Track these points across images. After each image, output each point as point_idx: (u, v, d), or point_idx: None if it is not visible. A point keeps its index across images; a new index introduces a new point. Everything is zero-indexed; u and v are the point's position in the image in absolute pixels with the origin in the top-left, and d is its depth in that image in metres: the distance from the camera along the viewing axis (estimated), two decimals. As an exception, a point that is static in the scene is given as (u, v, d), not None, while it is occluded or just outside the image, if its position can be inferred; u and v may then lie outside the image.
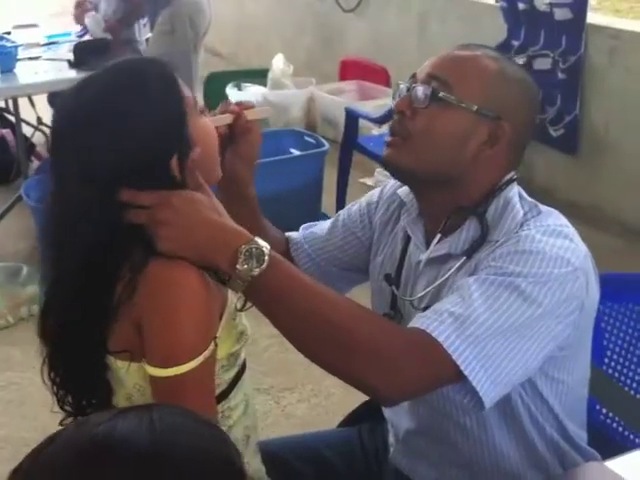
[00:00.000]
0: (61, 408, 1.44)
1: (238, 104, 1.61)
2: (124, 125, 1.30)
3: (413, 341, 1.39)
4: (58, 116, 1.36)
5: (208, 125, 1.42)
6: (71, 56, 4.51)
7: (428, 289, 1.59)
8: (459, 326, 1.38)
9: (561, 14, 4.59)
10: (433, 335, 1.37)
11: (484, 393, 1.38)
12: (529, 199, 1.60)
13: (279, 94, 6.04)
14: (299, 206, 4.46)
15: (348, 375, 1.39)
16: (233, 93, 6.11)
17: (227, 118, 1.57)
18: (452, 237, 1.59)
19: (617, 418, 1.95)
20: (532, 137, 1.64)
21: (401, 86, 1.60)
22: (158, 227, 1.32)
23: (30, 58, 4.68)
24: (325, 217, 4.67)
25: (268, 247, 1.34)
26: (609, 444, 1.86)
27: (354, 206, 1.87)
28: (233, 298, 1.42)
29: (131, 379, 1.37)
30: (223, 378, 1.43)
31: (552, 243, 1.47)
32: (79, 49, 4.49)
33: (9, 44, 4.55)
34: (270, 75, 6.11)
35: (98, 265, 1.32)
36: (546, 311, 1.42)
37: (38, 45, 5.05)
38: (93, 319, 1.33)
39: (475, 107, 1.53)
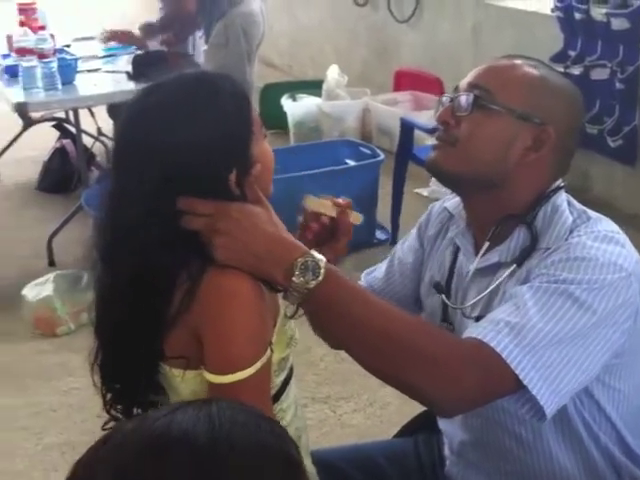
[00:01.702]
0: (107, 412, 1.46)
1: (343, 198, 1.59)
2: (190, 134, 1.32)
3: (471, 351, 1.39)
4: (125, 119, 1.38)
5: (268, 148, 1.45)
6: (129, 68, 4.58)
7: (479, 297, 1.59)
8: (516, 335, 1.38)
9: (618, 24, 4.55)
10: (491, 345, 1.38)
11: (545, 403, 1.38)
12: (578, 206, 1.60)
13: (334, 105, 6.07)
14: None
15: (406, 386, 1.40)
16: (288, 104, 6.17)
17: (330, 210, 1.54)
18: (502, 246, 1.59)
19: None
20: (577, 144, 1.64)
21: (443, 98, 1.63)
22: (216, 236, 1.34)
23: (89, 70, 4.76)
24: (380, 227, 4.69)
25: (324, 260, 1.35)
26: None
27: (407, 237, 1.88)
28: (282, 304, 1.44)
29: (187, 386, 1.38)
30: (275, 382, 1.45)
31: (604, 249, 1.47)
32: (137, 61, 4.56)
33: (69, 57, 4.62)
34: (325, 86, 6.15)
35: (155, 272, 1.34)
36: (601, 318, 1.42)
37: (96, 57, 5.14)
38: (149, 327, 1.35)
39: (517, 112, 1.54)
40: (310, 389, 3.33)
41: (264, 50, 8.28)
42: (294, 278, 1.33)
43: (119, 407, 1.46)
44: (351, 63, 6.97)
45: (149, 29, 5.09)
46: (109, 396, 1.46)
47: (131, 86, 4.54)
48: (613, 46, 4.62)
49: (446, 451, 1.81)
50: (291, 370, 1.52)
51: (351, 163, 4.74)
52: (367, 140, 5.84)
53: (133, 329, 1.37)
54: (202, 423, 0.94)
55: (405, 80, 6.27)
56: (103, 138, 5.55)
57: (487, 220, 1.61)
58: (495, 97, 1.55)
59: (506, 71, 1.60)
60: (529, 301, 1.42)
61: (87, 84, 4.49)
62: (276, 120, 6.37)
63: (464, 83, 1.61)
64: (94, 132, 5.57)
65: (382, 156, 4.60)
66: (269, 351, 1.35)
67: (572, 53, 4.86)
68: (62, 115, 5.54)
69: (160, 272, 1.34)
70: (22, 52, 4.28)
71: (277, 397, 1.47)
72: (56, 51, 4.39)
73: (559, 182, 1.62)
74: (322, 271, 1.34)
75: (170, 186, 1.32)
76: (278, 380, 1.46)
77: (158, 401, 1.44)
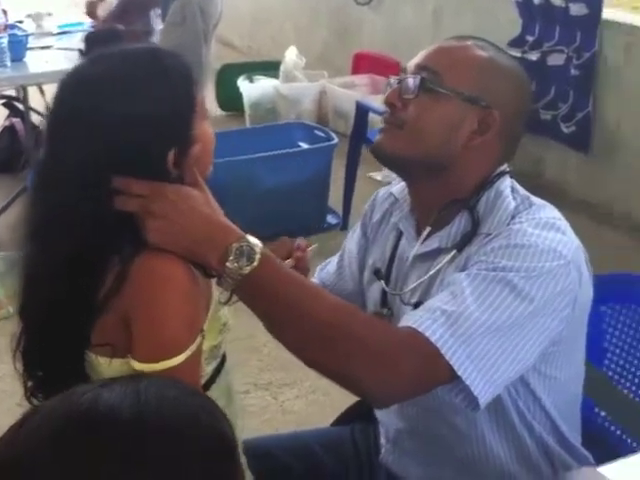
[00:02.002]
0: (28, 400, 1.41)
1: (299, 247, 1.61)
2: (131, 110, 1.28)
3: (405, 340, 1.36)
4: (64, 85, 1.32)
5: (209, 130, 1.40)
6: (82, 46, 4.50)
7: (417, 282, 1.58)
8: (452, 324, 1.36)
9: (576, 9, 4.55)
10: (426, 334, 1.35)
11: (479, 393, 1.36)
12: (522, 191, 1.58)
13: (291, 87, 6.02)
14: (306, 200, 4.46)
15: (340, 375, 1.37)
16: (245, 85, 6.11)
17: (289, 263, 1.56)
18: (443, 231, 1.57)
19: (615, 421, 1.92)
20: (524, 128, 1.62)
21: (391, 80, 1.60)
22: (150, 219, 1.30)
23: (42, 47, 4.67)
24: (332, 211, 4.66)
25: (260, 245, 1.32)
26: (605, 447, 1.84)
27: (354, 230, 1.86)
28: (216, 291, 1.41)
29: (113, 375, 1.34)
30: (206, 370, 1.41)
31: (544, 236, 1.45)
32: (90, 39, 4.47)
33: (20, 32, 4.53)
34: (282, 68, 6.09)
35: (87, 253, 1.30)
36: (539, 306, 1.40)
37: (51, 34, 5.05)
38: (79, 310, 1.31)
39: (464, 95, 1.52)
40: (253, 375, 3.30)
41: (224, 30, 8.20)
42: (228, 263, 1.30)
43: (41, 396, 1.41)
44: (311, 44, 6.92)
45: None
46: (30, 384, 1.41)
47: (82, 63, 4.45)
48: (571, 32, 4.62)
49: (382, 439, 1.78)
50: (224, 358, 1.48)
51: (305, 146, 4.70)
52: (323, 123, 5.81)
53: (61, 313, 1.32)
54: (129, 398, 0.93)
55: (364, 63, 6.23)
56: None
57: (431, 205, 1.59)
58: (442, 79, 1.53)
59: (454, 53, 1.57)
60: (466, 289, 1.40)
61: (38, 61, 4.41)
62: (232, 101, 6.33)
63: (412, 64, 1.58)
64: (44, 111, 5.46)
65: (336, 140, 4.56)
66: (200, 338, 1.32)
67: (530, 38, 4.86)
68: (13, 93, 5.44)
69: (91, 253, 1.30)
70: (-29, 27, 4.18)
71: (207, 386, 1.43)
72: (7, 27, 4.30)
73: (504, 167, 1.60)
74: (257, 257, 1.31)
75: (105, 161, 1.27)
76: (209, 368, 1.42)
77: None
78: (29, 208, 1.36)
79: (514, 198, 1.55)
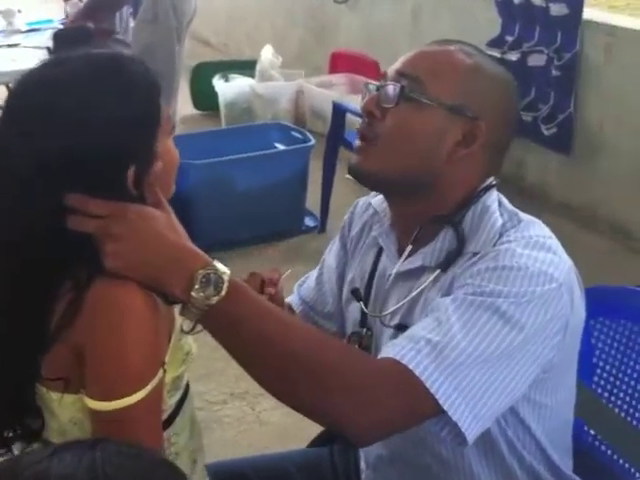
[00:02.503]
0: None
1: (271, 282, 1.54)
2: (89, 117, 1.16)
3: (387, 373, 1.26)
4: (20, 85, 1.21)
5: (173, 147, 1.30)
6: (51, 44, 4.38)
7: (399, 304, 1.47)
8: (437, 355, 1.26)
9: (557, 9, 4.46)
10: (410, 367, 1.25)
11: (466, 428, 1.26)
12: (509, 207, 1.48)
13: (267, 86, 5.92)
14: (283, 201, 4.37)
15: (315, 413, 1.27)
16: (220, 84, 6.00)
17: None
18: (426, 248, 1.47)
19: (605, 440, 1.83)
20: (512, 138, 1.52)
21: (370, 86, 1.49)
22: (108, 241, 1.19)
23: (9, 45, 4.56)
24: (309, 214, 4.57)
25: (228, 272, 1.22)
26: (597, 469, 1.76)
27: (334, 243, 1.75)
28: (179, 318, 1.29)
29: (66, 412, 1.23)
30: (168, 403, 1.31)
31: (534, 257, 1.35)
32: (59, 37, 4.36)
33: (-14, 31, 4.41)
34: (258, 66, 5.99)
35: (34, 278, 1.18)
36: (530, 334, 1.30)
37: (19, 32, 4.92)
38: (26, 340, 1.19)
39: (448, 105, 1.41)
40: (229, 384, 3.19)
41: (199, 28, 8.10)
42: (193, 292, 1.19)
43: None
44: (288, 43, 6.82)
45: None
46: None
47: (51, 62, 4.33)
48: (551, 32, 4.54)
49: (362, 464, 1.68)
50: (187, 387, 1.37)
51: (281, 147, 4.60)
52: (300, 123, 5.71)
53: (6, 342, 1.20)
54: (82, 472, 0.81)
55: (341, 62, 6.13)
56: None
57: (412, 220, 1.49)
58: (425, 87, 1.42)
59: (437, 59, 1.46)
60: (452, 316, 1.30)
61: (5, 60, 4.29)
62: (207, 101, 6.23)
63: (392, 70, 1.47)
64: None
65: (313, 141, 4.46)
66: (161, 372, 1.20)
67: (509, 38, 4.77)
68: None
69: (40, 277, 1.18)
70: None
71: (170, 420, 1.32)
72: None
73: (490, 180, 1.49)
74: (225, 285, 1.20)
75: (57, 172, 1.15)
76: (172, 401, 1.32)
77: (34, 425, 1.26)
78: None
79: (501, 214, 1.44)
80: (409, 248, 1.48)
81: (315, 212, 4.57)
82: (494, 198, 1.47)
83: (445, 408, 1.24)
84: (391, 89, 1.43)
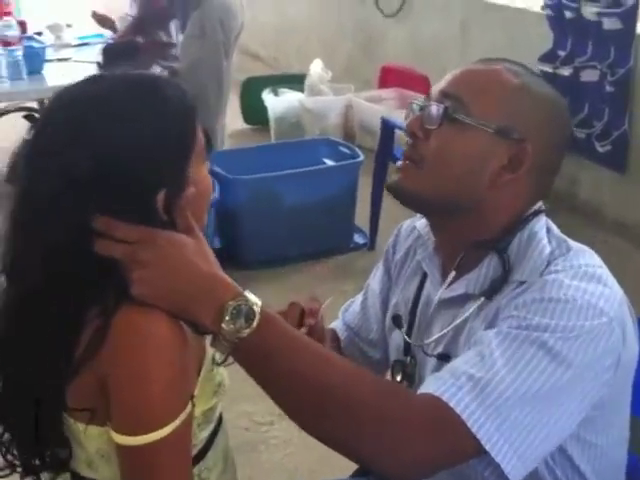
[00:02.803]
0: (3, 457, 1.26)
1: (311, 312, 1.48)
2: (121, 136, 1.13)
3: (426, 410, 1.21)
4: (54, 103, 1.18)
5: (207, 175, 1.26)
6: (100, 58, 4.40)
7: (441, 333, 1.43)
8: (479, 393, 1.20)
9: (610, 24, 4.37)
10: (450, 404, 1.20)
11: (510, 470, 1.20)
12: (558, 233, 1.42)
13: (316, 100, 5.89)
14: (332, 218, 4.34)
15: (351, 451, 1.22)
16: (269, 99, 5.99)
17: (302, 332, 1.44)
18: (470, 275, 1.41)
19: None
20: (561, 161, 1.46)
21: (414, 105, 1.44)
22: (135, 268, 1.15)
23: (59, 59, 4.59)
24: (358, 231, 4.52)
25: (259, 303, 1.18)
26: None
27: (378, 267, 1.70)
28: (210, 348, 1.25)
29: (92, 443, 1.19)
30: (199, 437, 1.26)
31: (583, 289, 1.29)
32: (108, 52, 4.39)
33: (37, 45, 4.43)
34: (307, 81, 5.96)
35: (60, 302, 1.14)
36: (578, 371, 1.24)
37: (70, 46, 4.96)
38: (51, 369, 1.16)
39: (493, 127, 1.36)
40: (272, 406, 3.13)
41: (249, 42, 8.13)
42: (224, 324, 1.15)
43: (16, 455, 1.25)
44: (337, 56, 6.79)
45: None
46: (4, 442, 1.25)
47: (101, 77, 4.35)
48: (604, 47, 4.44)
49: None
50: (220, 420, 1.33)
51: (329, 163, 4.57)
52: (350, 138, 5.67)
53: (32, 370, 1.17)
54: None
55: (391, 76, 6.08)
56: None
57: (456, 246, 1.44)
58: (469, 109, 1.37)
59: (482, 78, 1.40)
60: (496, 351, 1.24)
61: (56, 74, 4.31)
62: (257, 115, 6.22)
63: (436, 90, 1.42)
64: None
65: (361, 157, 4.42)
66: (190, 406, 1.16)
67: (562, 53, 4.69)
68: (34, 105, 5.33)
69: (66, 302, 1.14)
70: (-14, 40, 4.10)
71: (202, 455, 1.28)
72: (23, 39, 4.20)
73: (539, 205, 1.43)
74: (257, 317, 1.16)
75: (87, 193, 1.12)
76: (203, 435, 1.28)
77: (61, 455, 1.23)
78: (4, 240, 1.20)
79: (549, 241, 1.39)
80: (452, 274, 1.44)
81: (364, 229, 4.52)
82: (542, 224, 1.41)
83: (487, 448, 1.19)
84: (434, 110, 1.38)
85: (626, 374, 1.37)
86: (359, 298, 1.73)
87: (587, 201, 4.75)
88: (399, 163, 1.44)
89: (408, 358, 1.52)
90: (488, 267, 1.40)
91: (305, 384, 1.19)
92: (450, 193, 1.38)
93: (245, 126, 6.48)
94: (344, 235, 4.45)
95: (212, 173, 3.99)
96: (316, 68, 5.97)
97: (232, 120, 6.18)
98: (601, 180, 4.72)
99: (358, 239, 4.51)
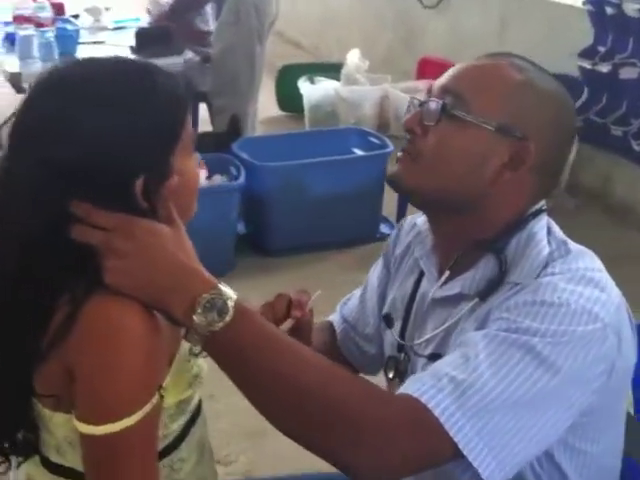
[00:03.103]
0: None
1: (299, 304, 1.44)
2: (101, 116, 1.11)
3: (404, 412, 1.17)
4: (38, 83, 1.17)
5: (194, 168, 1.24)
6: (134, 42, 4.41)
7: (432, 333, 1.39)
8: (460, 395, 1.16)
9: (652, 21, 4.30)
10: (429, 406, 1.16)
11: (488, 475, 1.16)
12: (559, 235, 1.37)
13: (352, 90, 5.84)
14: (359, 207, 4.32)
15: (323, 451, 1.18)
16: (305, 86, 5.96)
17: (288, 324, 1.42)
18: (466, 275, 1.38)
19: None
20: (565, 161, 1.42)
21: (414, 101, 1.40)
22: (110, 255, 1.13)
23: (95, 42, 4.59)
24: (385, 221, 4.49)
25: (234, 297, 1.15)
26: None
27: (379, 261, 1.67)
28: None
29: (59, 430, 1.18)
30: (171, 428, 1.24)
31: (579, 293, 1.24)
32: (141, 35, 4.39)
33: (71, 27, 4.43)
34: (344, 70, 5.93)
35: (31, 287, 1.13)
36: (566, 378, 1.20)
37: (106, 29, 4.97)
38: (18, 354, 1.14)
39: (494, 124, 1.31)
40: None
41: (290, 30, 8.13)
42: (195, 317, 1.12)
43: None
44: (377, 47, 6.75)
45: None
46: None
47: (134, 60, 4.36)
48: (645, 44, 4.37)
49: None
50: (198, 409, 1.31)
51: (359, 153, 4.53)
52: (384, 128, 5.63)
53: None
54: None
55: (429, 68, 6.01)
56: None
57: (453, 244, 1.40)
58: (469, 105, 1.32)
59: (484, 74, 1.36)
60: (481, 353, 1.20)
61: (89, 55, 4.31)
62: (292, 102, 6.21)
63: (437, 85, 1.38)
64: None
65: (391, 148, 4.37)
66: (157, 396, 1.14)
67: (602, 49, 4.60)
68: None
69: (37, 287, 1.12)
70: (20, 20, 4.11)
71: (175, 445, 1.26)
72: (56, 20, 4.21)
73: (541, 204, 1.39)
74: (230, 311, 1.13)
75: (65, 176, 1.10)
76: (175, 425, 1.25)
77: (30, 439, 1.22)
78: None
79: (549, 243, 1.34)
80: (447, 274, 1.40)
81: (391, 219, 4.48)
82: (543, 224, 1.37)
83: (465, 453, 1.15)
84: (433, 106, 1.34)
85: (621, 382, 1.33)
86: (358, 292, 1.70)
87: (621, 200, 4.66)
88: (399, 154, 1.41)
89: (402, 355, 1.49)
90: (485, 267, 1.36)
91: (278, 382, 1.16)
92: (448, 190, 1.35)
93: (280, 113, 6.46)
94: (371, 225, 4.42)
95: (239, 159, 3.99)
96: (353, 58, 5.93)
97: (267, 107, 6.18)
98: (636, 179, 4.63)
99: (385, 229, 4.47)
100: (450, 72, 1.39)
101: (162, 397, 1.15)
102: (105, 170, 1.11)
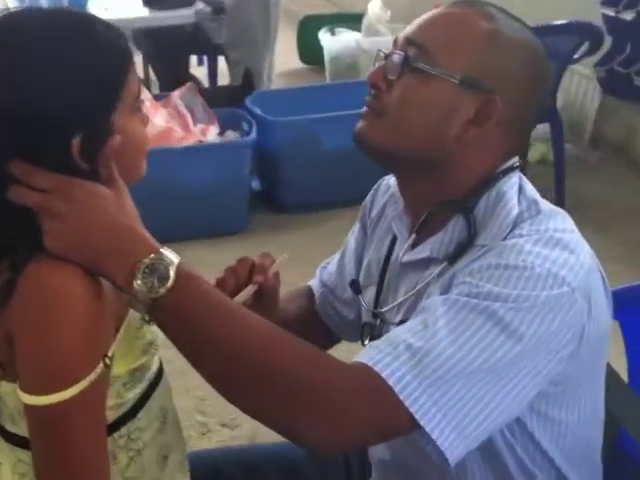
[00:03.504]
0: None
1: (262, 269, 1.38)
2: (39, 74, 1.07)
3: (354, 380, 1.12)
4: None
5: (140, 128, 1.18)
6: (145, -8, 4.35)
7: (401, 299, 1.35)
8: (416, 363, 1.11)
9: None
10: (383, 375, 1.11)
11: (447, 447, 1.11)
12: (531, 194, 1.30)
13: (373, 41, 5.70)
14: (372, 165, 4.19)
15: (271, 421, 1.14)
16: (326, 38, 5.86)
17: (250, 289, 1.36)
18: (434, 237, 1.32)
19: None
20: (536, 115, 1.34)
21: (380, 54, 1.33)
22: (49, 218, 1.09)
23: (105, -7, 4.52)
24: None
25: (176, 260, 1.10)
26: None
27: (356, 223, 1.62)
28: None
29: (9, 399, 1.15)
30: (127, 397, 1.20)
31: (545, 255, 1.18)
32: (150, -15, 4.32)
33: (83, -23, 4.37)
34: (365, 20, 5.79)
35: None
36: (530, 345, 1.14)
37: (120, -21, 4.89)
38: None
39: (458, 77, 1.25)
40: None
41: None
42: (135, 283, 1.08)
43: None
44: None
45: None
46: None
47: (145, 12, 4.32)
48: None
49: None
50: (158, 377, 1.27)
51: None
52: (406, 80, 5.51)
53: None
54: None
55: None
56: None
57: (422, 205, 1.34)
58: (432, 57, 1.26)
59: (450, 24, 1.29)
60: (440, 319, 1.14)
61: (98, 8, 4.25)
62: (314, 54, 6.11)
63: (402, 37, 1.32)
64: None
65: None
66: (101, 366, 1.10)
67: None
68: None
69: None
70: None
71: (133, 413, 1.22)
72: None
73: (513, 161, 1.32)
74: (171, 275, 1.09)
75: (3, 135, 1.07)
76: (131, 394, 1.21)
77: None
78: None
79: (519, 202, 1.28)
80: (413, 237, 1.35)
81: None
82: (513, 182, 1.30)
83: (422, 424, 1.10)
84: (396, 58, 1.28)
85: (595, 348, 1.26)
86: (338, 255, 1.64)
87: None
88: (363, 110, 1.34)
89: (377, 321, 1.44)
90: (454, 229, 1.30)
91: (221, 349, 1.11)
92: (413, 146, 1.29)
93: (302, 65, 6.37)
94: (384, 184, 4.33)
95: (251, 113, 3.90)
96: (374, 7, 5.80)
97: (288, 59, 6.09)
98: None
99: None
100: (415, 23, 1.32)
101: (107, 366, 1.11)
102: (40, 125, 1.07)
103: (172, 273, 1.09)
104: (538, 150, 4.61)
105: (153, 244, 1.11)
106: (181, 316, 1.11)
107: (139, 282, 1.08)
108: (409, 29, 1.31)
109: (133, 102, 1.15)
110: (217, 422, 2.80)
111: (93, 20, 1.15)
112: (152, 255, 1.09)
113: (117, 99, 1.12)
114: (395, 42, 1.33)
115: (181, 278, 1.09)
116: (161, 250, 1.10)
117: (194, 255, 3.32)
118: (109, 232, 1.09)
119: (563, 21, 3.87)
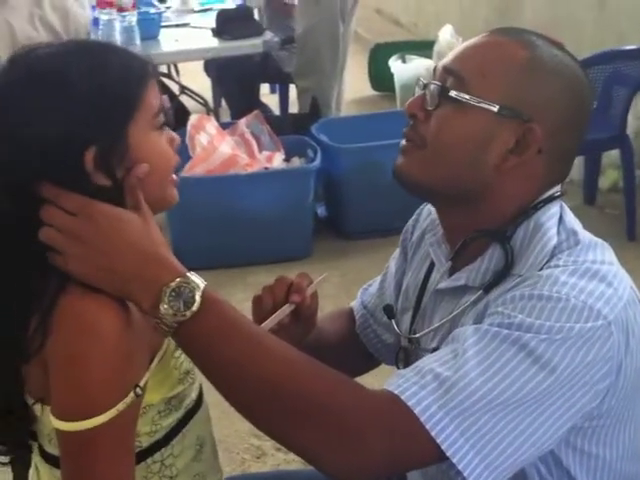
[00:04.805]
0: None
1: (298, 289, 1.37)
2: (46, 97, 1.10)
3: (381, 409, 1.11)
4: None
5: (163, 146, 1.19)
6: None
7: (434, 326, 1.33)
8: (444, 394, 1.10)
9: None
10: (409, 404, 1.10)
11: (475, 479, 1.10)
12: (570, 224, 1.28)
13: (443, 68, 5.70)
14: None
15: (297, 448, 1.14)
16: (396, 65, 5.86)
17: (287, 309, 1.36)
18: (472, 266, 1.30)
19: None
20: (577, 143, 1.32)
21: (419, 82, 1.33)
22: (70, 242, 1.10)
23: (177, 25, 4.61)
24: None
25: (202, 285, 1.10)
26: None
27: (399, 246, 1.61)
28: None
29: (47, 421, 1.16)
30: (161, 424, 1.21)
31: (581, 287, 1.16)
32: (222, 17, 4.38)
33: (153, 10, 4.46)
34: (436, 47, 5.77)
35: (6, 282, 1.12)
36: (562, 377, 1.12)
37: (192, 11, 4.98)
38: (6, 350, 1.14)
39: (496, 106, 1.23)
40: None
41: (389, 7, 8.01)
42: (161, 307, 1.09)
43: None
44: (473, 23, 6.55)
45: None
46: None
47: (214, 43, 4.37)
48: None
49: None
50: (196, 406, 1.27)
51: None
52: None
53: None
54: None
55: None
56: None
57: (459, 233, 1.33)
58: (469, 87, 1.25)
59: (486, 53, 1.28)
60: (470, 349, 1.13)
61: (169, 39, 4.34)
62: (385, 82, 6.11)
63: (440, 66, 1.31)
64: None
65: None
66: (132, 396, 1.11)
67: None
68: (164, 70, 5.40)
69: (8, 290, 1.12)
70: (103, 4, 4.14)
71: (167, 441, 1.23)
72: (135, 4, 4.22)
73: (554, 190, 1.30)
74: (197, 301, 1.09)
75: (18, 155, 1.09)
76: (166, 422, 1.22)
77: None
78: None
79: (559, 232, 1.26)
80: (449, 264, 1.34)
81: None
82: (553, 213, 1.28)
83: (448, 455, 1.09)
84: (433, 88, 1.27)
85: (635, 383, 1.23)
86: (379, 278, 1.64)
87: None
88: (402, 143, 1.34)
89: (412, 347, 1.42)
90: (490, 258, 1.28)
91: (245, 375, 1.11)
92: (453, 177, 1.28)
93: (373, 93, 6.38)
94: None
95: (316, 141, 3.93)
96: (445, 34, 5.78)
97: (360, 86, 6.11)
98: None
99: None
100: (453, 52, 1.31)
101: (138, 396, 1.12)
102: (48, 144, 1.09)
103: (198, 297, 1.09)
104: (609, 177, 4.54)
105: (179, 268, 1.12)
106: (206, 340, 1.11)
107: (165, 306, 1.08)
108: (447, 58, 1.31)
109: (153, 118, 1.16)
110: (272, 446, 2.79)
111: (114, 47, 1.19)
112: (178, 279, 1.10)
113: (130, 114, 1.13)
114: (434, 71, 1.32)
115: (207, 302, 1.10)
116: (187, 274, 1.11)
117: (258, 280, 3.33)
118: (134, 256, 1.10)
119: (633, 46, 3.82)
